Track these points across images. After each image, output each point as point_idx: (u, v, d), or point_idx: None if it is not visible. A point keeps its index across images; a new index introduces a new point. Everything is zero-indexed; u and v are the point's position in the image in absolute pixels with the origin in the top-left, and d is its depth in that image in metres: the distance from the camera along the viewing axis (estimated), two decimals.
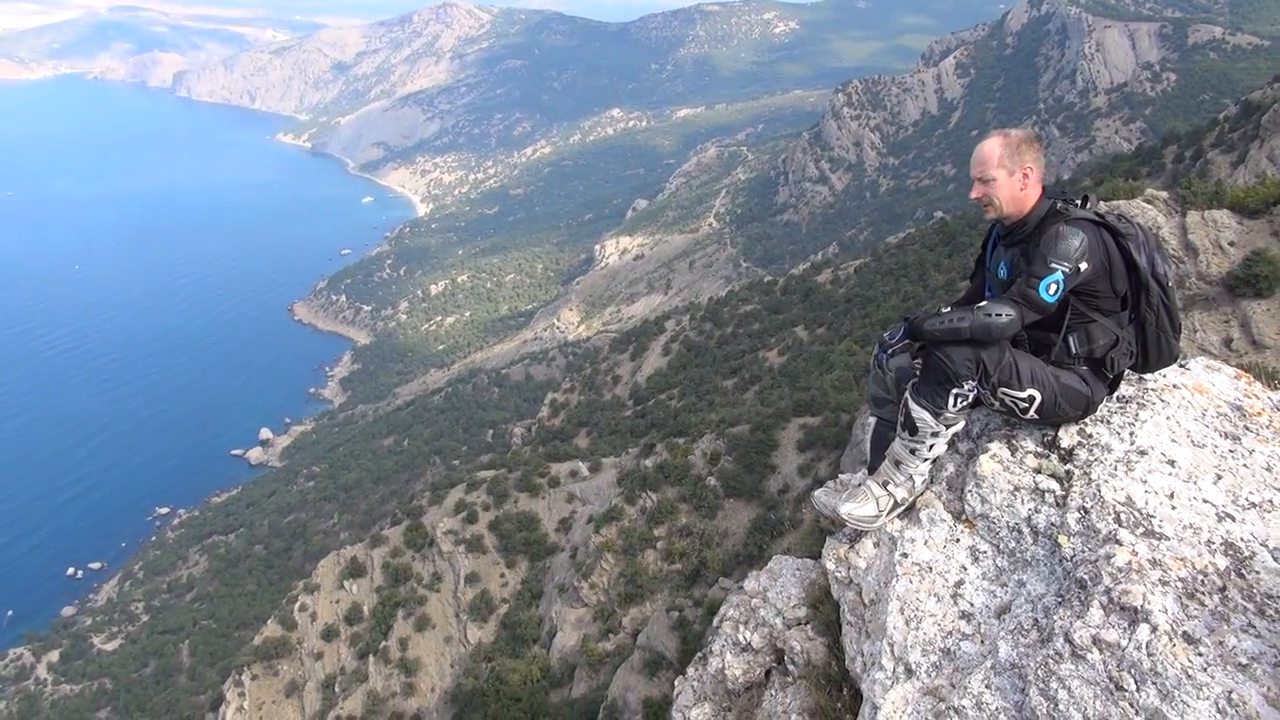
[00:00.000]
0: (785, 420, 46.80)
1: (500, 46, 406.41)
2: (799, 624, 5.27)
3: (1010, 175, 4.95)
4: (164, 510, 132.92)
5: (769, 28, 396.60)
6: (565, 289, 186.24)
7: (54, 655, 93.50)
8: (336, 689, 49.18)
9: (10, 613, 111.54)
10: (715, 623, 5.59)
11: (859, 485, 5.20)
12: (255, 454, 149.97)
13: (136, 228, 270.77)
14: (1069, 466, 4.71)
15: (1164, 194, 19.80)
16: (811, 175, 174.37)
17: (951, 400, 4.69)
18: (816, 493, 5.39)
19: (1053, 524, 4.42)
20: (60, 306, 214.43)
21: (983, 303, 4.70)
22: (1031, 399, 4.75)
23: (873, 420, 5.47)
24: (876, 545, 4.97)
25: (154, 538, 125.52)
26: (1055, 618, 3.91)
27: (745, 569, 39.59)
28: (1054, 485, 4.63)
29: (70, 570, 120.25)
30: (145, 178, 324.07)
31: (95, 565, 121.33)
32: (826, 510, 5.26)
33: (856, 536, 5.15)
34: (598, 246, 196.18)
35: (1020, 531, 4.50)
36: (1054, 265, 4.61)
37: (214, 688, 68.09)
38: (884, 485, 5.02)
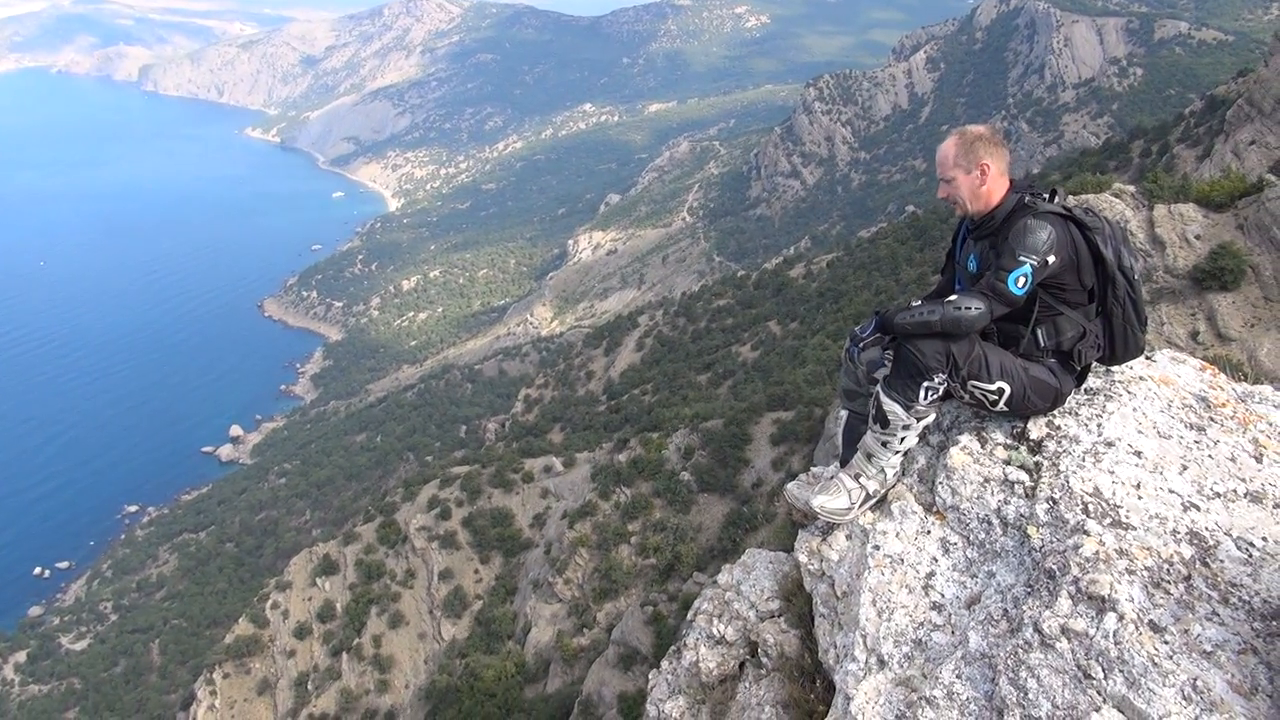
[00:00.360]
0: (758, 415, 46.96)
1: (471, 40, 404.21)
2: (772, 617, 5.30)
3: (968, 174, 5.01)
4: (133, 508, 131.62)
5: (740, 22, 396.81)
6: (538, 284, 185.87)
7: (21, 656, 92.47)
8: (309, 687, 48.95)
9: None
10: (689, 616, 5.61)
11: (831, 478, 5.23)
12: (226, 451, 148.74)
13: (102, 223, 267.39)
14: (1038, 458, 4.76)
15: (1131, 188, 20.02)
16: (783, 170, 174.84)
17: (922, 393, 4.72)
18: (789, 485, 5.42)
19: (1022, 515, 4.47)
20: (23, 303, 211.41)
21: (953, 296, 4.74)
22: (1001, 391, 4.79)
23: (845, 413, 5.51)
24: (849, 538, 5.00)
25: (123, 536, 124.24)
26: (1024, 608, 3.95)
27: (719, 563, 39.70)
28: (1023, 477, 4.68)
29: (37, 570, 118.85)
30: (111, 172, 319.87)
31: (63, 564, 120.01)
32: (799, 503, 5.29)
33: (829, 529, 5.18)
34: (570, 241, 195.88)
35: (990, 523, 4.55)
36: (1022, 258, 4.66)
37: (185, 686, 67.57)
38: (856, 478, 5.05)
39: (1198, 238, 17.81)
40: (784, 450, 43.10)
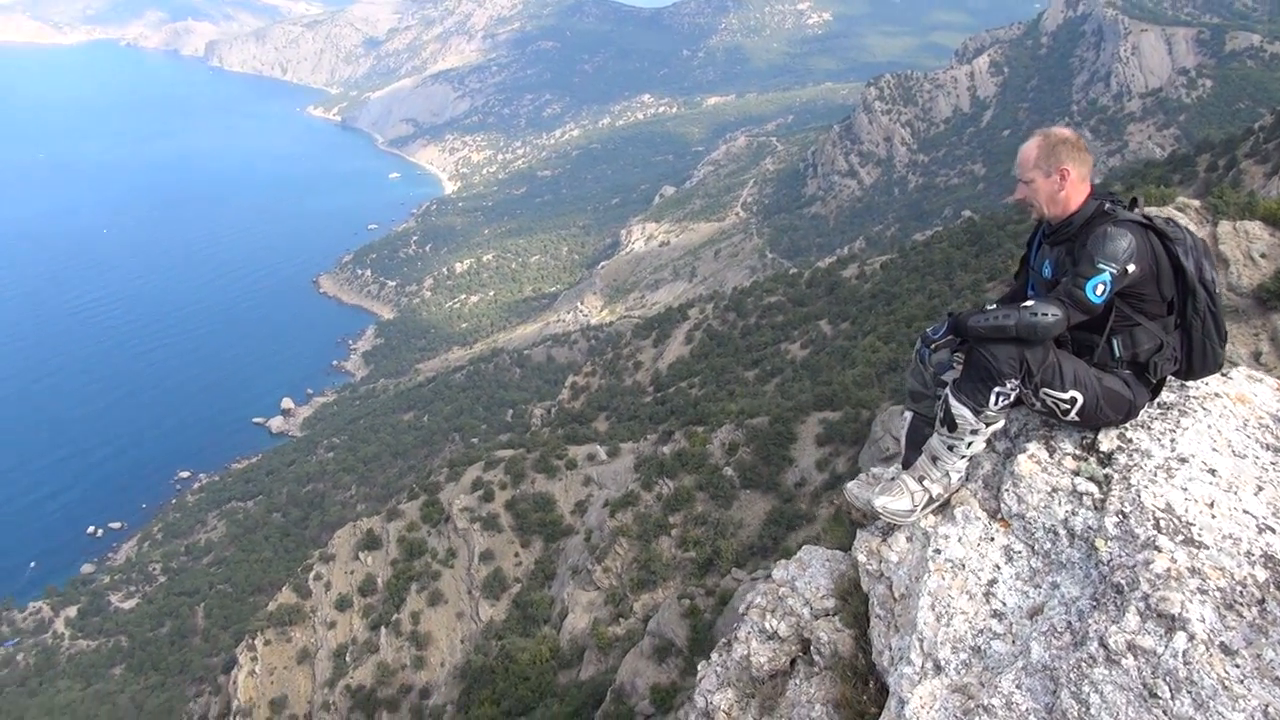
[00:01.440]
0: (805, 414, 46.74)
1: (532, 27, 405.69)
2: (827, 615, 5.27)
3: (1047, 177, 4.94)
4: (185, 474, 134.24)
5: (802, 19, 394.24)
6: (590, 273, 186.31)
7: (72, 611, 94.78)
8: (348, 658, 49.60)
9: (33, 565, 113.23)
10: (741, 609, 5.59)
11: (893, 479, 5.19)
12: (276, 423, 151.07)
13: (165, 194, 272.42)
14: (1108, 470, 4.68)
15: (1196, 203, 19.62)
16: (840, 169, 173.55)
17: (993, 398, 4.66)
18: (849, 484, 5.39)
19: (1090, 527, 4.40)
20: (88, 269, 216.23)
21: (1029, 301, 4.66)
22: (1073, 401, 4.72)
23: (909, 415, 5.45)
24: (909, 540, 4.96)
25: (174, 500, 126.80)
26: (1090, 621, 3.89)
27: (759, 560, 39.62)
28: (1092, 488, 4.61)
29: (91, 529, 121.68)
30: (175, 145, 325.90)
31: (115, 525, 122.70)
32: (860, 502, 5.25)
33: (889, 530, 5.14)
34: (623, 231, 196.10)
35: (1056, 533, 4.48)
36: (1101, 266, 4.57)
37: (227, 650, 68.88)
38: (919, 480, 5.00)
39: (1263, 256, 17.38)
40: (829, 451, 42.87)
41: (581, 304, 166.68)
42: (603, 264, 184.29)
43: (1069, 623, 4.00)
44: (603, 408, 76.28)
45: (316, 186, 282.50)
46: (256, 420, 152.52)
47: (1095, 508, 4.49)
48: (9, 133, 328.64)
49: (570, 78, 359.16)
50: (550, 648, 41.11)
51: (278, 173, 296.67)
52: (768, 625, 5.37)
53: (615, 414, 72.60)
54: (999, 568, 4.47)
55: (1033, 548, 4.49)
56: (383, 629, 49.52)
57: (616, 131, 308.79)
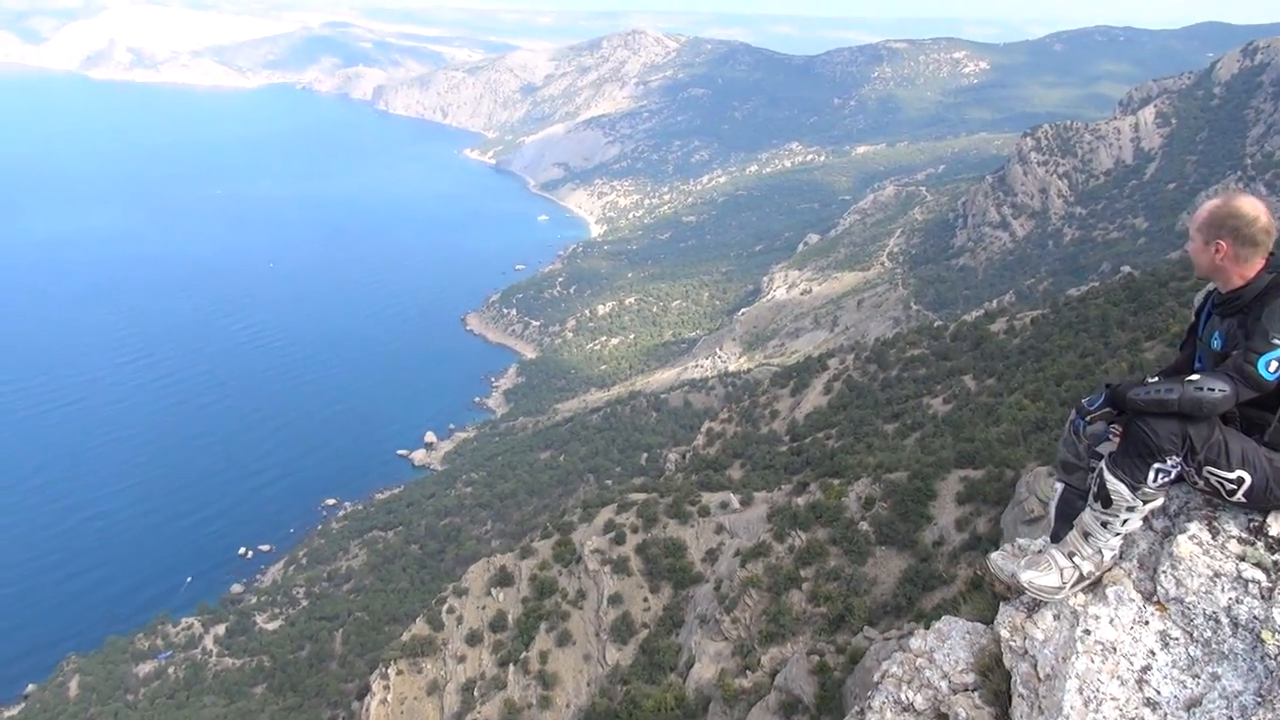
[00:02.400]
0: (945, 471, 45.43)
1: (684, 75, 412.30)
2: (966, 690, 5.08)
3: (1204, 245, 4.71)
4: (331, 501, 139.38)
5: (957, 67, 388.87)
6: (730, 319, 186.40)
7: (220, 629, 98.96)
8: (475, 693, 50.27)
9: (189, 580, 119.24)
10: (875, 678, 5.44)
11: (1040, 552, 4.99)
12: (419, 456, 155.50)
13: (328, 231, 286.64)
14: (1277, 556, 4.40)
15: None
16: (992, 220, 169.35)
17: (1152, 475, 4.45)
18: (994, 555, 5.20)
19: (1256, 617, 4.14)
20: (255, 302, 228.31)
21: (1194, 375, 4.44)
22: (1240, 481, 4.45)
23: (1060, 486, 5.24)
24: (1056, 618, 4.75)
25: (320, 527, 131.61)
26: (1254, 718, 3.65)
27: (892, 620, 38.50)
28: (1259, 575, 4.34)
29: (242, 550, 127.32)
30: (340, 184, 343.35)
31: (265, 547, 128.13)
32: (1004, 574, 5.06)
33: (1035, 606, 4.94)
34: (765, 278, 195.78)
35: (1218, 621, 4.23)
36: (1276, 341, 4.33)
37: (361, 677, 70.71)
38: (1069, 556, 4.79)
39: None
40: (969, 510, 41.52)
41: (720, 350, 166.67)
42: (743, 310, 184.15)
43: (1230, 718, 3.77)
44: (737, 455, 75.79)
45: (469, 227, 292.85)
46: (400, 452, 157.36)
47: (1262, 596, 4.23)
48: (193, 170, 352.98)
49: (719, 125, 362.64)
50: (675, 696, 40.76)
51: (434, 213, 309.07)
52: (904, 696, 5.22)
53: (750, 462, 72.04)
54: (1154, 654, 4.24)
55: (1191, 635, 4.25)
56: (511, 666, 50.04)
57: (763, 179, 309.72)
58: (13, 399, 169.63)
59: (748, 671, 40.07)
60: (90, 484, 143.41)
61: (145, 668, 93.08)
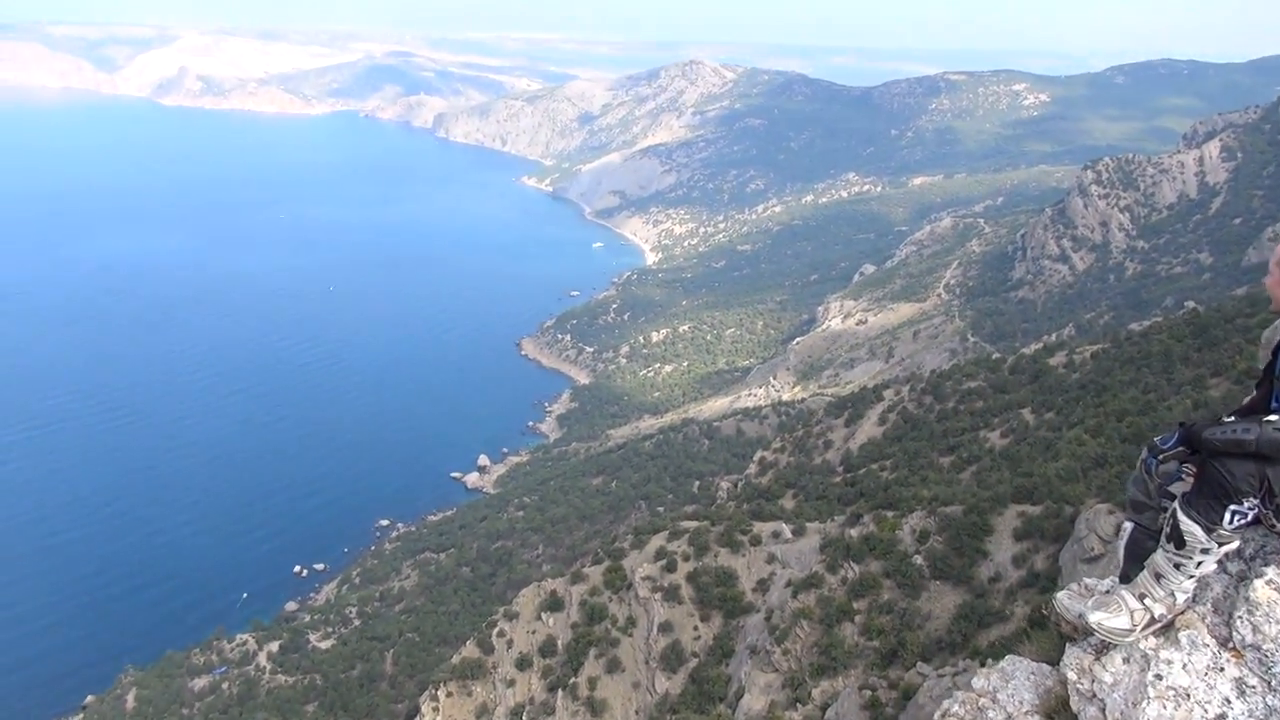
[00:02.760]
0: (1003, 506, 44.69)
1: (741, 105, 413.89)
2: None
3: None
4: (385, 522, 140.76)
5: (1017, 99, 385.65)
6: (784, 348, 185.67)
7: (274, 646, 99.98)
8: (524, 718, 50.17)
9: (245, 596, 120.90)
10: (936, 716, 5.35)
11: (1108, 593, 4.88)
12: (472, 479, 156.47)
13: (388, 255, 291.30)
14: None
15: None
16: (1051, 253, 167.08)
17: (1228, 517, 4.34)
18: (1060, 595, 5.10)
19: None
20: (315, 323, 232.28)
21: (1271, 415, 4.33)
22: None
23: (1129, 525, 5.13)
24: (1126, 661, 4.64)
25: (373, 547, 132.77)
26: None
27: (946, 656, 37.80)
28: None
29: (297, 568, 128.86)
30: (399, 209, 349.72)
31: (319, 566, 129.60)
32: (1071, 615, 4.96)
33: (1103, 648, 4.83)
34: (820, 308, 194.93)
35: None
36: None
37: (411, 699, 70.97)
38: (1140, 598, 4.68)
39: None
40: (1027, 547, 40.77)
41: (774, 379, 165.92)
42: (797, 340, 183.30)
43: None
44: (790, 485, 75.23)
45: (525, 253, 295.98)
46: (454, 475, 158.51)
47: None
48: (260, 195, 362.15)
49: (775, 155, 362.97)
50: None
51: (491, 239, 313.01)
52: None
53: (803, 492, 71.46)
54: (1229, 701, 4.13)
55: (1269, 683, 4.13)
56: (560, 692, 49.92)
57: (819, 209, 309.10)
58: (86, 416, 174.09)
59: (798, 704, 39.57)
60: (155, 500, 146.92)
61: (200, 682, 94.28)
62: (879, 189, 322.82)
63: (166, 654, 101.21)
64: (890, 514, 48.77)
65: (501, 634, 55.96)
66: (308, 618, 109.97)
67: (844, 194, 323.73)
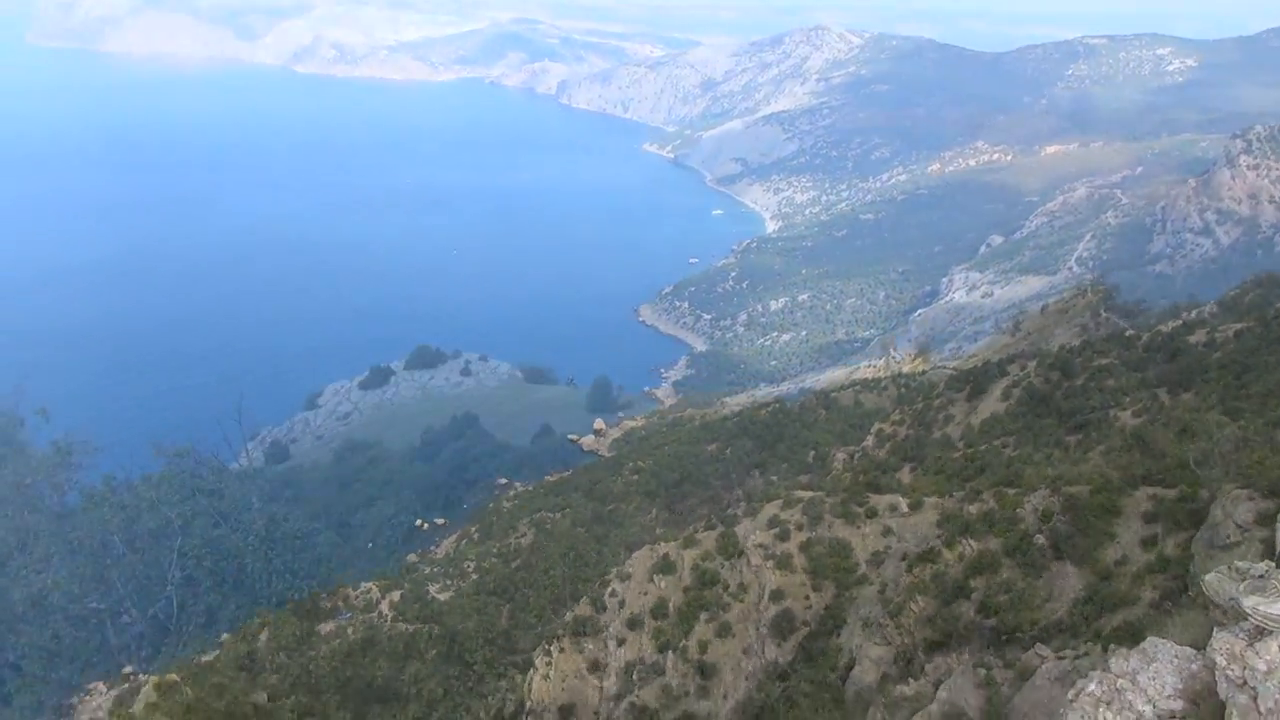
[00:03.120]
0: (1132, 487, 42.83)
1: (867, 71, 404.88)
2: (1172, 717, 4.79)
3: None
4: (504, 481, 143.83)
5: (1160, 65, 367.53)
6: (905, 320, 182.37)
7: (396, 595, 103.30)
8: (634, 676, 50.69)
9: (370, 545, 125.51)
10: (1070, 695, 5.20)
11: (1264, 576, 4.64)
12: (588, 441, 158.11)
13: (511, 221, 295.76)
14: None
15: None
16: (1194, 226, 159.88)
17: None
18: (1209, 576, 4.89)
19: None
20: (439, 289, 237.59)
21: None
22: None
23: None
24: None
25: (491, 505, 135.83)
26: None
27: (1066, 639, 36.81)
28: None
29: (419, 521, 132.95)
30: (523, 175, 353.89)
31: (440, 521, 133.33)
32: (1222, 598, 4.74)
33: (1257, 634, 4.60)
34: (944, 280, 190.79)
35: None
36: None
37: (525, 653, 72.49)
38: None
39: None
40: (1157, 530, 39.20)
41: (894, 351, 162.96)
42: (920, 312, 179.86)
43: None
44: (908, 458, 73.74)
45: (645, 219, 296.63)
46: (571, 436, 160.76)
47: None
48: (387, 160, 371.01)
49: (901, 122, 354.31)
50: (834, 698, 40.20)
51: (612, 205, 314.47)
52: (1101, 717, 4.96)
53: (921, 466, 70.06)
54: None
55: None
56: (670, 653, 50.29)
57: (945, 178, 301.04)
58: (217, 385, 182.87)
59: (909, 679, 39.04)
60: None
61: (326, 627, 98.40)
62: (1009, 158, 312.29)
63: (291, 600, 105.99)
64: (1012, 491, 47.50)
65: (614, 594, 56.60)
66: (428, 569, 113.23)
67: (972, 162, 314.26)
